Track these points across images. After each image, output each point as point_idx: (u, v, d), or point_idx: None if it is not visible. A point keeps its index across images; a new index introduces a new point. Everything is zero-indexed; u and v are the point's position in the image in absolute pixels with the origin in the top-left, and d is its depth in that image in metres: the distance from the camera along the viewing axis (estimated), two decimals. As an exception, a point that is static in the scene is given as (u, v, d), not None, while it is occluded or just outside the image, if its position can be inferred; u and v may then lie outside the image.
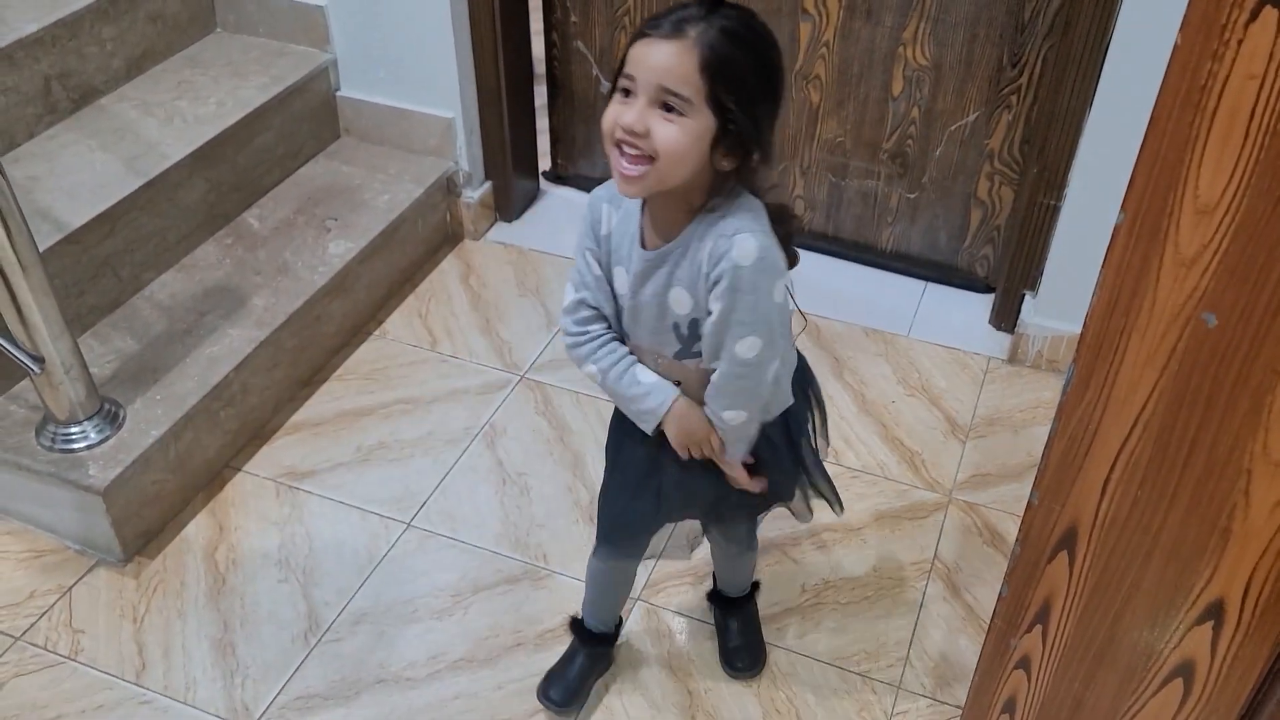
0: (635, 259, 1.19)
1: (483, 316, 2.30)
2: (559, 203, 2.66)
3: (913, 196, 2.37)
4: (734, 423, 1.23)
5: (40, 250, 1.63)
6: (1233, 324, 0.74)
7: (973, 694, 1.12)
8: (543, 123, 2.62)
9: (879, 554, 1.83)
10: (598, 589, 1.57)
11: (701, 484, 1.34)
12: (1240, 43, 0.64)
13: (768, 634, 1.70)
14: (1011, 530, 1.84)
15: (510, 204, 2.56)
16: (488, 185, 2.52)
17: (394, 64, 2.38)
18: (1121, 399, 0.83)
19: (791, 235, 1.22)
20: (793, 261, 1.22)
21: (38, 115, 2.05)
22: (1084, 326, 0.82)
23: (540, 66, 2.55)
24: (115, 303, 1.99)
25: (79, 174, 1.97)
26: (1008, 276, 2.24)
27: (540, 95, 2.59)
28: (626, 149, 1.06)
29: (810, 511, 1.48)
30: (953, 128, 2.25)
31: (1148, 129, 0.72)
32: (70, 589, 1.75)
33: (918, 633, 1.71)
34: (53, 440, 1.73)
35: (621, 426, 1.35)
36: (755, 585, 1.67)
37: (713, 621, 1.70)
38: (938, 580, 1.79)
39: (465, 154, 2.45)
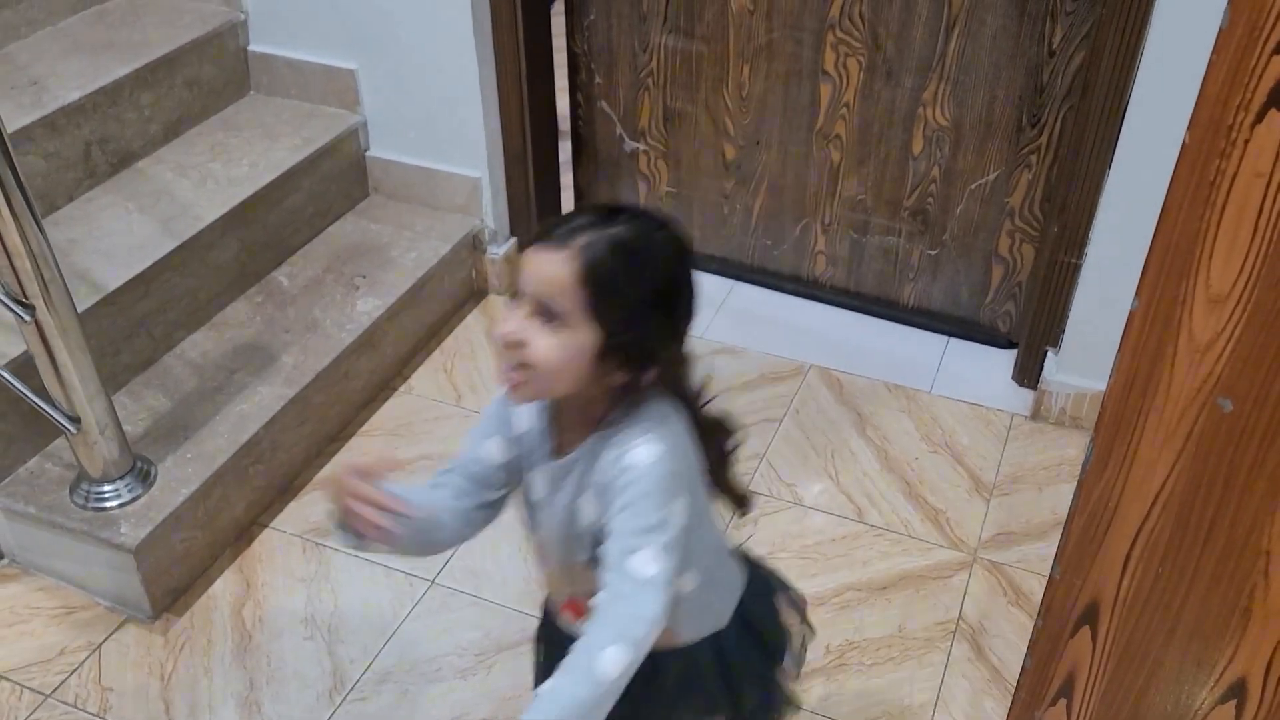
0: (548, 465, 1.12)
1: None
2: (583, 258, 2.69)
3: (934, 253, 2.39)
4: (610, 672, 0.98)
5: (78, 311, 1.67)
6: (1248, 409, 0.75)
7: (997, 765, 1.12)
8: (566, 178, 2.66)
9: (903, 614, 1.83)
10: None
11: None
12: (1247, 142, 0.66)
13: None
14: (1037, 589, 1.83)
15: (535, 260, 2.59)
16: (512, 241, 2.56)
17: (422, 125, 2.43)
18: (1140, 478, 0.84)
19: (729, 453, 1.15)
20: (741, 501, 1.17)
21: (78, 179, 2.11)
22: (1102, 406, 0.84)
23: (565, 124, 2.60)
24: (148, 361, 2.04)
25: (116, 236, 2.02)
26: (1030, 333, 2.25)
27: (564, 151, 2.64)
28: (507, 358, 1.02)
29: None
30: (973, 186, 2.27)
31: (1159, 220, 0.74)
32: (100, 646, 1.77)
33: (943, 694, 1.70)
34: (86, 499, 1.77)
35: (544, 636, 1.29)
36: None
37: None
38: (962, 641, 1.78)
39: (491, 211, 2.49)
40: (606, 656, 0.99)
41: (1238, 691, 0.88)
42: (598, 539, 1.08)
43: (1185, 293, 0.74)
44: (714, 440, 1.13)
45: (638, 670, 1.06)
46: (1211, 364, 0.75)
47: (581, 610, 1.15)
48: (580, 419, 1.08)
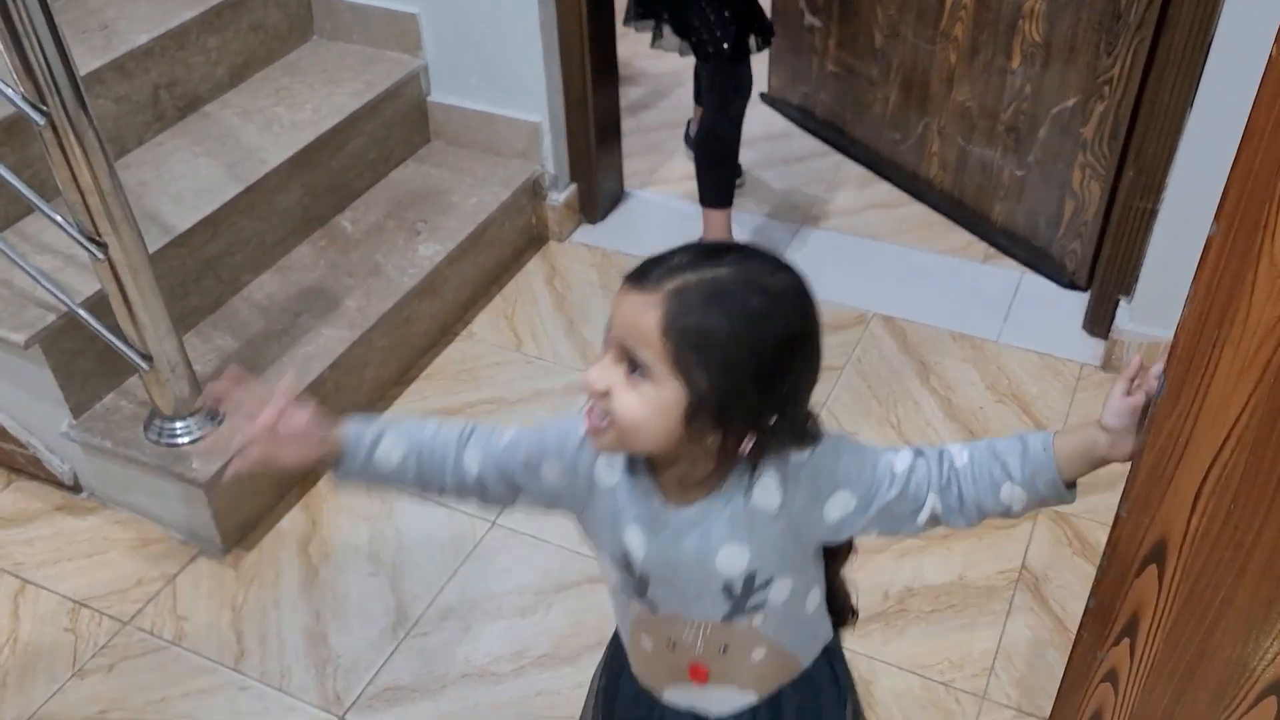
0: (658, 519, 0.97)
1: (567, 318, 2.34)
2: (643, 205, 2.68)
3: (1020, 174, 2.40)
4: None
5: (149, 253, 1.70)
6: (1331, 338, 0.72)
7: (1058, 706, 1.10)
8: (629, 123, 2.65)
9: (965, 562, 1.81)
10: None
11: None
12: (1341, 53, 0.62)
13: (850, 640, 1.68)
14: (1102, 540, 1.80)
15: (595, 206, 2.59)
16: (573, 188, 2.55)
17: (483, 69, 2.42)
18: (1214, 412, 0.81)
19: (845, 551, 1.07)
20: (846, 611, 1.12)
21: (147, 123, 2.15)
22: (1174, 339, 0.81)
23: (627, 69, 2.59)
24: (216, 303, 2.08)
25: (185, 179, 2.06)
26: (1102, 280, 2.19)
27: (626, 96, 2.62)
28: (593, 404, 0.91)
29: None
30: (1055, 110, 2.24)
31: (1241, 142, 0.70)
32: (174, 577, 1.83)
33: (1004, 643, 1.69)
34: (159, 434, 1.81)
35: (629, 715, 1.16)
36: None
37: None
38: (1025, 590, 1.76)
39: (551, 157, 2.48)
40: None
41: (1311, 632, 0.85)
42: (745, 589, 0.98)
43: (1267, 217, 0.71)
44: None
45: (758, 717, 1.08)
46: (1294, 291, 0.72)
47: (707, 672, 1.05)
48: (685, 473, 0.95)
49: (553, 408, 2.12)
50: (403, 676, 1.68)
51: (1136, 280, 2.09)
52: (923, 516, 0.97)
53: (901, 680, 1.64)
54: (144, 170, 2.08)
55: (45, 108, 1.47)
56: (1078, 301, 2.31)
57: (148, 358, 1.74)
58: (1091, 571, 1.78)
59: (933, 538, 1.84)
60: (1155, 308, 2.06)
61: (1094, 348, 2.21)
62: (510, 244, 2.46)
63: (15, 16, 1.40)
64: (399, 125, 2.45)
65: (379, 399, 2.14)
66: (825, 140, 2.85)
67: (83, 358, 1.83)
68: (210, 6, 2.18)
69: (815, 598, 1.07)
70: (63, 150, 1.51)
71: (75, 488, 1.96)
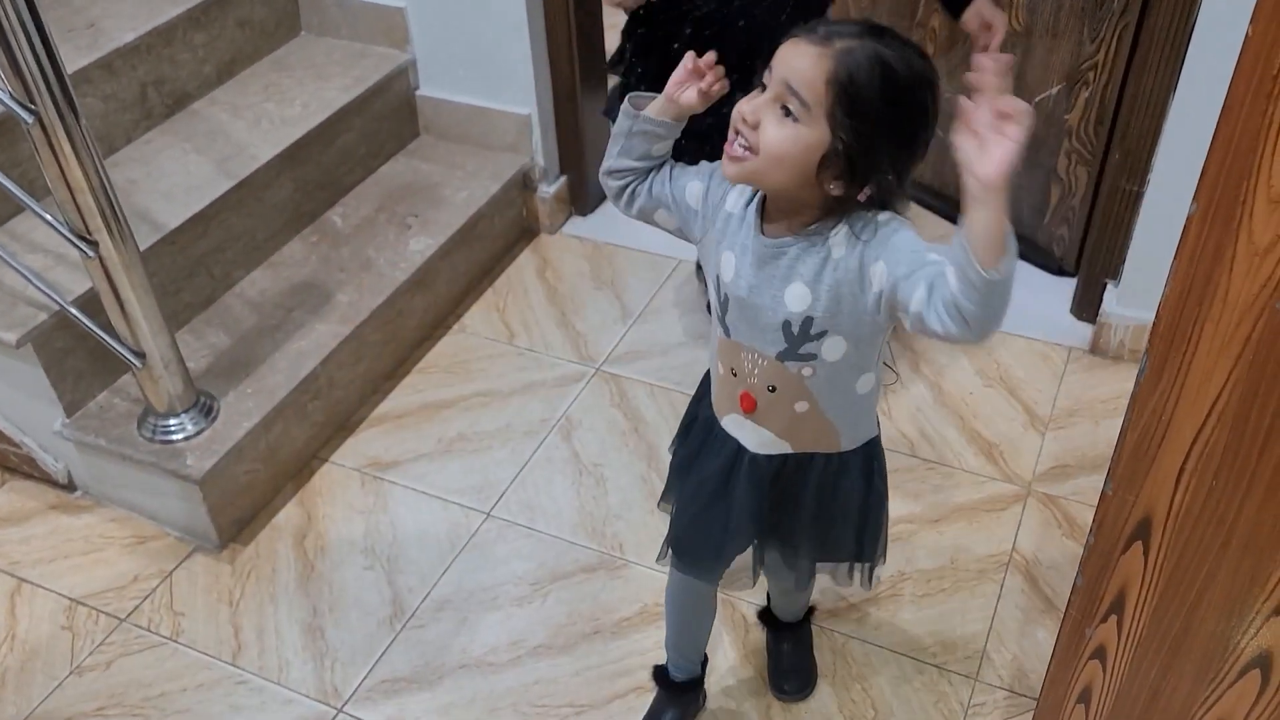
0: (752, 245, 1.12)
1: (559, 310, 2.34)
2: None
3: (1006, 161, 2.38)
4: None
5: (141, 250, 1.71)
6: (1309, 313, 0.73)
7: (1048, 683, 1.12)
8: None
9: (956, 546, 1.82)
10: (678, 617, 1.50)
11: (776, 518, 1.29)
12: (1312, 31, 0.63)
13: (843, 625, 1.71)
14: (1090, 522, 1.82)
15: (585, 198, 2.59)
16: (563, 180, 2.56)
17: (472, 63, 2.43)
18: (1195, 388, 0.83)
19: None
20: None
21: (135, 121, 2.15)
22: (1157, 316, 0.82)
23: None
24: (208, 300, 2.08)
25: (174, 176, 2.06)
26: (1089, 264, 2.21)
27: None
28: (738, 134, 1.05)
29: (868, 582, 1.38)
30: (1039, 97, 2.24)
31: (1220, 119, 0.72)
32: (171, 573, 1.83)
33: (995, 625, 1.70)
34: (153, 432, 1.82)
35: (694, 437, 1.32)
36: (810, 610, 1.64)
37: (765, 640, 1.67)
38: (1016, 572, 1.78)
39: (541, 149, 2.49)
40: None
41: (1294, 604, 0.87)
42: (802, 332, 1.11)
43: (1246, 193, 0.72)
44: None
45: (786, 468, 1.23)
46: (1272, 267, 0.73)
47: (754, 404, 1.20)
48: (789, 214, 1.09)
49: (546, 399, 2.13)
50: (400, 668, 1.69)
51: (1123, 264, 2.10)
52: (914, 305, 1.01)
53: (895, 663, 1.66)
54: (133, 168, 2.08)
55: (34, 106, 1.47)
56: (1066, 286, 2.32)
57: (140, 355, 1.75)
58: (1080, 552, 1.80)
59: (923, 520, 1.86)
60: (1142, 290, 2.08)
61: (1082, 332, 2.23)
62: (501, 237, 2.46)
63: (2, 16, 1.40)
64: (388, 120, 2.45)
65: (372, 393, 2.15)
66: None
67: (75, 356, 1.83)
68: (197, 3, 2.17)
69: (867, 383, 1.17)
70: (52, 149, 1.51)
71: (70, 486, 1.96)
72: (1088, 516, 1.84)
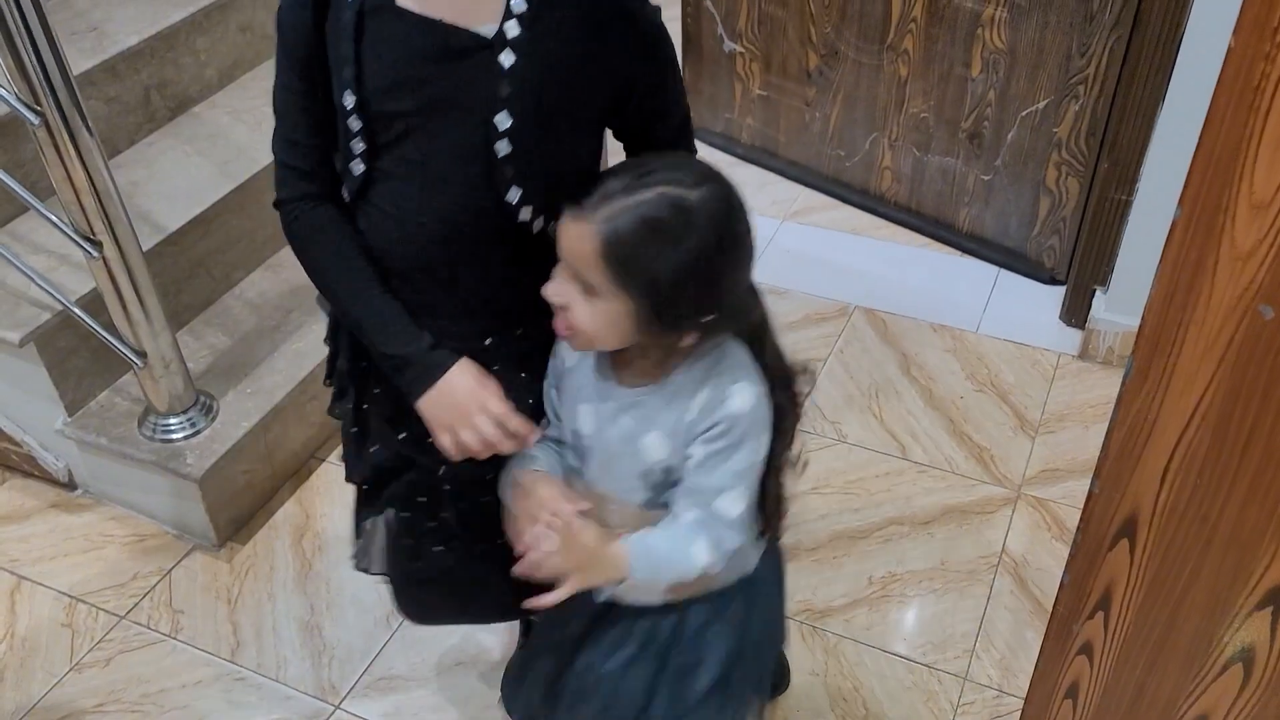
0: (606, 396, 1.09)
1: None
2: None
3: (987, 179, 2.40)
4: (698, 558, 1.06)
5: (143, 251, 1.72)
6: (1288, 316, 0.76)
7: (1036, 679, 1.14)
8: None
9: (946, 548, 1.85)
10: None
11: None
12: (1291, 45, 0.66)
13: (835, 625, 1.73)
14: (1080, 525, 1.85)
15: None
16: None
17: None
18: (1180, 390, 0.85)
19: (798, 398, 1.14)
20: (790, 435, 1.14)
21: (138, 124, 2.16)
22: (1142, 319, 0.85)
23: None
24: (208, 300, 2.10)
25: (176, 179, 2.08)
26: (1078, 272, 2.24)
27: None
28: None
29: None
30: (1025, 113, 2.27)
31: (1204, 128, 0.74)
32: (170, 571, 1.85)
33: (985, 626, 1.73)
34: (153, 431, 1.83)
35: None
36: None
37: None
38: (1005, 574, 1.80)
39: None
40: (698, 546, 1.06)
41: (1274, 599, 0.89)
42: (663, 480, 1.09)
43: (1228, 200, 0.75)
44: (783, 383, 1.11)
45: (658, 611, 1.15)
46: (1254, 272, 0.76)
47: None
48: (652, 359, 1.06)
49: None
50: (396, 665, 1.70)
51: (1112, 271, 2.14)
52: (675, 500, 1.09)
53: (885, 662, 1.68)
54: (136, 170, 2.09)
55: (39, 108, 1.49)
56: (1055, 293, 2.36)
57: (142, 354, 1.76)
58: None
59: (914, 522, 1.89)
60: (1131, 297, 2.11)
61: (1071, 337, 2.26)
62: (498, 241, 2.48)
63: (9, 18, 1.42)
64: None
65: (370, 394, 2.16)
66: (756, 164, 2.75)
67: (77, 356, 1.85)
68: (199, 8, 2.20)
69: (733, 506, 1.09)
70: (57, 150, 1.53)
71: (70, 485, 1.98)
72: (1076, 519, 1.87)
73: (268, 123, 2.14)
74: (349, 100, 1.03)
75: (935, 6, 2.27)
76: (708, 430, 1.04)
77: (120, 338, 1.76)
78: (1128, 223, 2.06)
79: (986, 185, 2.41)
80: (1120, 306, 2.14)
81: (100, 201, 1.60)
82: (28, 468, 1.98)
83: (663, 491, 1.10)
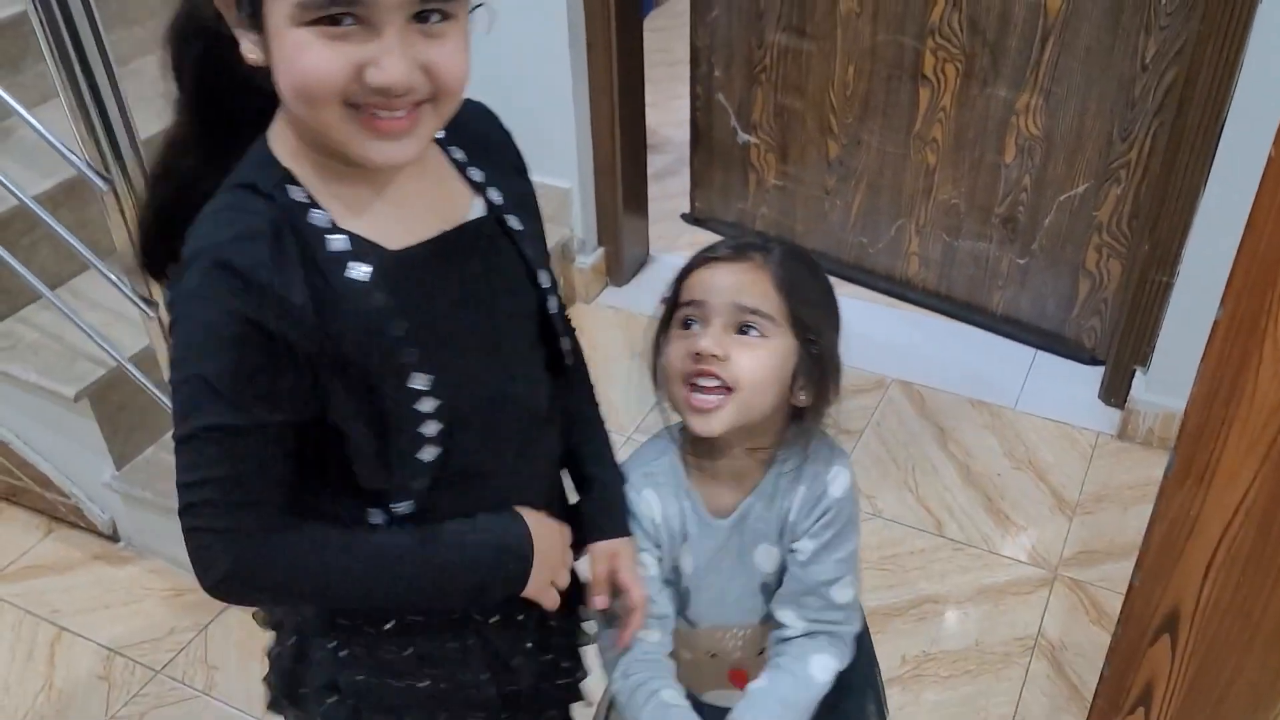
0: (706, 533, 1.05)
1: (592, 376, 2.38)
2: (667, 268, 2.72)
3: (1023, 262, 2.40)
4: (819, 676, 1.02)
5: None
6: (1332, 420, 0.76)
7: (1074, 773, 1.12)
8: (655, 189, 2.74)
9: (981, 628, 1.83)
10: None
11: None
12: (1332, 157, 0.68)
13: (867, 703, 1.71)
14: (1117, 608, 1.81)
15: (621, 269, 2.66)
16: (600, 251, 2.62)
17: (516, 135, 2.49)
18: (1223, 487, 0.85)
19: None
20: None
21: (195, 185, 2.23)
22: (1184, 415, 0.85)
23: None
24: (255, 358, 2.14)
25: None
26: (1118, 351, 2.23)
27: (652, 163, 2.71)
28: (702, 381, 0.96)
29: None
30: (1062, 197, 2.28)
31: (1246, 230, 0.76)
32: (206, 627, 1.87)
33: (1020, 710, 1.70)
34: (197, 486, 1.86)
35: None
36: None
37: None
38: (1041, 657, 1.78)
39: (580, 221, 2.56)
40: (816, 662, 1.02)
41: (1319, 702, 0.88)
42: (776, 585, 1.06)
43: (1271, 302, 0.76)
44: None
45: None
46: (1296, 374, 0.77)
47: (746, 678, 1.08)
48: (748, 459, 1.03)
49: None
50: None
51: (1153, 351, 2.13)
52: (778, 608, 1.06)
53: (920, 745, 1.66)
54: (190, 230, 2.15)
55: (108, 175, 1.54)
56: (1094, 372, 2.35)
57: (190, 411, 1.80)
58: (1107, 640, 1.79)
59: (949, 601, 1.87)
60: (1171, 378, 2.10)
61: (1110, 417, 2.24)
62: (538, 305, 2.52)
63: (82, 86, 1.48)
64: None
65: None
66: None
67: (128, 411, 1.89)
68: (259, 75, 2.27)
69: (844, 593, 1.06)
70: (122, 214, 1.58)
71: (114, 537, 2.01)
72: (1115, 603, 1.85)
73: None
74: (420, 383, 0.84)
75: (966, 96, 2.28)
76: (813, 525, 1.03)
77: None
78: (1169, 304, 2.06)
79: (1022, 269, 2.41)
80: (1160, 387, 2.13)
81: (159, 263, 1.64)
82: (74, 519, 2.02)
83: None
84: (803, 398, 1.00)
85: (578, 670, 1.12)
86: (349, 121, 0.77)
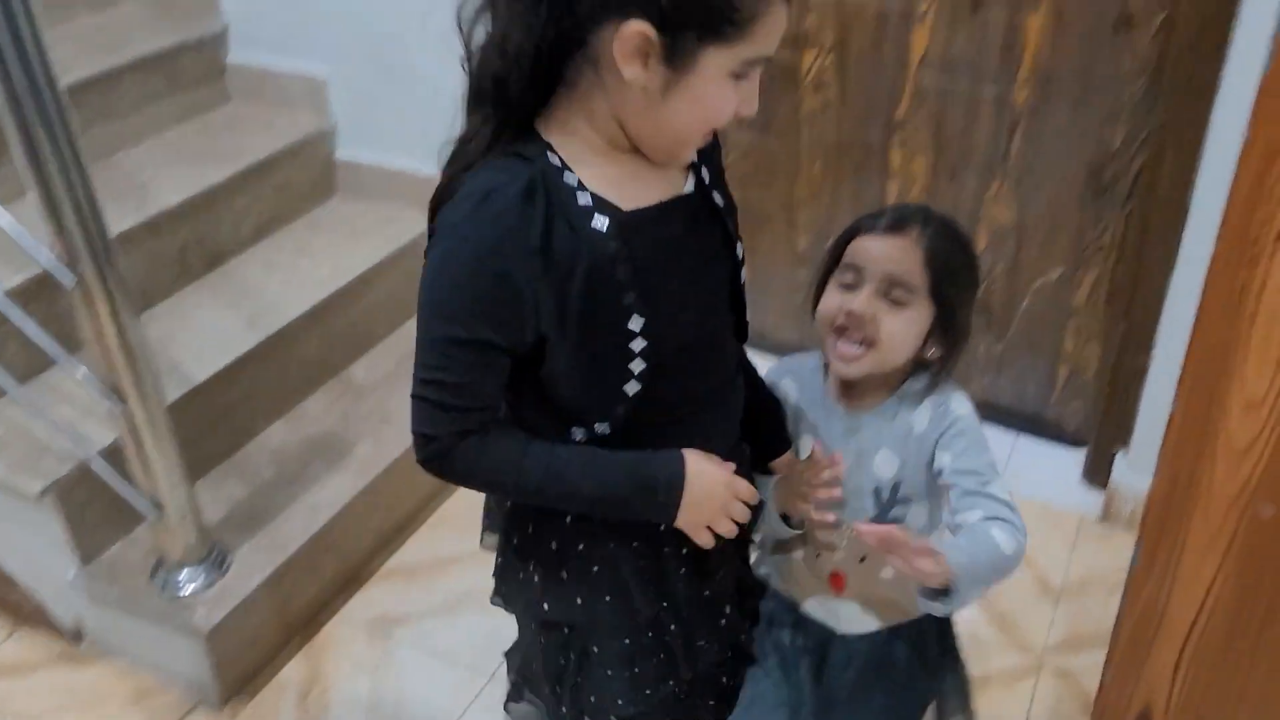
0: (833, 420, 1.22)
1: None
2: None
3: (999, 348, 2.39)
4: (1001, 543, 1.11)
5: (168, 402, 1.76)
6: (1289, 515, 0.75)
7: None
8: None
9: (968, 720, 1.78)
10: None
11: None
12: (1271, 255, 0.68)
13: (852, 801, 1.66)
14: (1107, 699, 1.78)
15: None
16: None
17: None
18: (1188, 580, 0.84)
19: None
20: None
21: (173, 277, 2.24)
22: (1145, 508, 0.84)
23: None
24: (230, 450, 2.12)
25: (207, 331, 2.13)
26: (1100, 433, 2.22)
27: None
28: (848, 333, 1.14)
29: None
30: (1037, 284, 2.28)
31: (1194, 327, 0.76)
32: (171, 729, 1.82)
33: (1009, 806, 1.65)
34: (164, 584, 1.83)
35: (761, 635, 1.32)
36: None
37: None
38: (1030, 750, 1.73)
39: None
40: (997, 533, 1.11)
41: (1297, 805, 0.85)
42: (891, 496, 1.19)
43: (1221, 397, 0.75)
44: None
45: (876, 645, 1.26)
46: (1250, 468, 0.76)
47: (844, 581, 1.24)
48: (881, 384, 1.19)
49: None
50: (397, 836, 1.65)
51: (1133, 432, 2.12)
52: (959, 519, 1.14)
53: (906, 845, 1.60)
54: (169, 322, 2.15)
55: (76, 271, 1.55)
56: (1077, 454, 2.33)
57: (159, 506, 1.78)
58: (1095, 732, 1.76)
59: (936, 694, 1.82)
60: (1151, 459, 2.07)
61: (1094, 499, 2.22)
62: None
63: (53, 183, 1.49)
64: (417, 278, 2.53)
65: (384, 546, 2.16)
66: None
67: (93, 507, 1.86)
68: (240, 169, 2.30)
69: (1001, 490, 1.17)
70: (90, 309, 1.58)
71: (77, 637, 1.96)
72: (1102, 693, 1.81)
73: (298, 275, 2.18)
74: (635, 324, 1.00)
75: (935, 188, 2.29)
76: (945, 433, 1.16)
77: (138, 489, 1.77)
78: (1146, 384, 2.06)
79: (999, 356, 2.41)
80: (1142, 468, 2.11)
81: (129, 359, 1.64)
82: (36, 619, 1.97)
83: (890, 509, 1.20)
84: (933, 353, 1.17)
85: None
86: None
